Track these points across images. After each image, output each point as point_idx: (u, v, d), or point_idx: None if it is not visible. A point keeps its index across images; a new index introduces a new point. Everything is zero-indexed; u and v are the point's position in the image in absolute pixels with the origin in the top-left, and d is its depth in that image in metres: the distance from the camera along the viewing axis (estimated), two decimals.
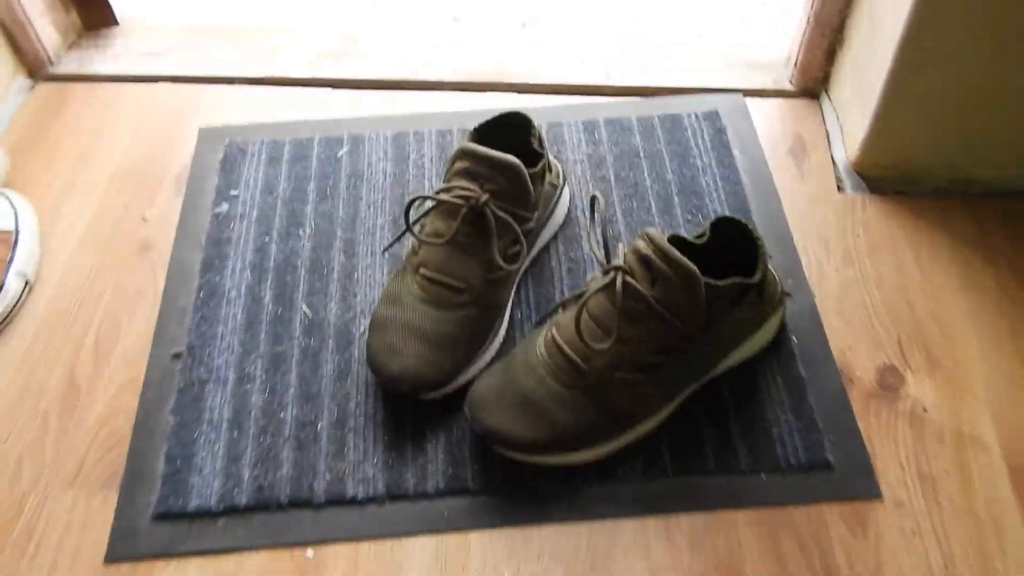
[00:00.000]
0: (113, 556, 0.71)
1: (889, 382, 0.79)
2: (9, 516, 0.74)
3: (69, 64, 1.13)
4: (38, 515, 0.74)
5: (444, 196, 0.77)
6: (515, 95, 1.08)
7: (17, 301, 0.87)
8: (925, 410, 0.77)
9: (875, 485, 0.73)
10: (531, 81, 1.08)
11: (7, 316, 0.86)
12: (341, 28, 1.18)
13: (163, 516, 0.73)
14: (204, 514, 0.73)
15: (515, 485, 0.74)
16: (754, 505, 0.73)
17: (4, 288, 0.85)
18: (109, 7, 1.17)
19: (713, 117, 1.02)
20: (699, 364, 0.76)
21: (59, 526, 0.73)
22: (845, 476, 0.74)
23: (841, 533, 0.71)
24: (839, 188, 0.96)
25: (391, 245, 0.90)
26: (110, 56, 1.14)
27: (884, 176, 0.95)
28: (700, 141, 0.99)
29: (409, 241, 0.81)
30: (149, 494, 0.74)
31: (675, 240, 0.75)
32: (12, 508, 0.74)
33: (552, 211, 0.89)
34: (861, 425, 0.77)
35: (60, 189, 0.99)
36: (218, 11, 1.32)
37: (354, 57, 1.13)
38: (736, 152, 0.99)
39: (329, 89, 1.10)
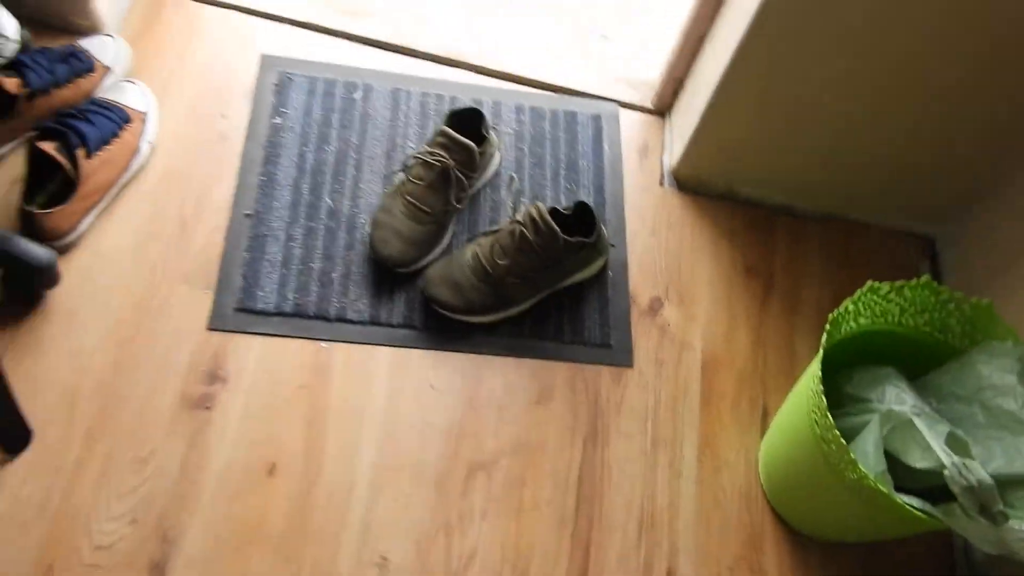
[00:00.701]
0: (212, 326, 1.27)
1: (654, 307, 1.42)
2: (150, 294, 1.28)
3: None
4: (169, 297, 1.28)
5: (428, 158, 1.32)
6: (474, 74, 1.61)
7: (147, 161, 1.37)
8: (669, 325, 1.40)
9: (631, 360, 1.36)
10: (487, 66, 1.61)
11: (140, 170, 1.36)
12: None
13: (241, 310, 1.29)
14: (265, 313, 1.29)
15: (441, 329, 1.33)
16: (567, 360, 1.35)
17: (140, 152, 1.35)
18: None
19: (597, 119, 1.58)
20: (554, 279, 1.36)
21: (179, 304, 1.28)
22: (617, 353, 1.36)
23: (608, 382, 1.34)
24: (661, 183, 1.55)
25: (394, 175, 1.44)
26: None
27: (688, 180, 1.55)
28: (585, 134, 1.56)
29: (400, 175, 1.36)
30: (232, 296, 1.29)
31: (553, 210, 1.33)
32: (151, 289, 1.28)
33: (486, 169, 1.45)
34: (633, 328, 1.39)
35: (163, 81, 1.47)
36: None
37: (366, 17, 1.62)
38: (605, 146, 1.56)
39: (347, 41, 1.59)
